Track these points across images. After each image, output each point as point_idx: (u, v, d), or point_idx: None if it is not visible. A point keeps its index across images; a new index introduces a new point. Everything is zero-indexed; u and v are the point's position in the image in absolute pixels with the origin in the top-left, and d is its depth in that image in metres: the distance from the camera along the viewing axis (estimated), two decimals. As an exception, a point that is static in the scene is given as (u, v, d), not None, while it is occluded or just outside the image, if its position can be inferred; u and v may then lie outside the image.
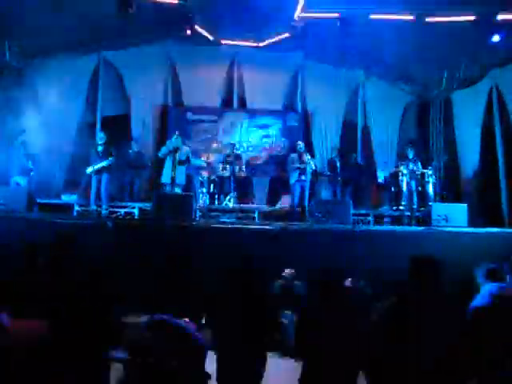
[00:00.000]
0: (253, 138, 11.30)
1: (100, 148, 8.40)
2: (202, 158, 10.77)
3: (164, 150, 8.59)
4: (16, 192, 8.05)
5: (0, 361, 2.03)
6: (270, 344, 3.46)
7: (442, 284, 2.61)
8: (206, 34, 9.67)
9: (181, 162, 8.51)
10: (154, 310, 3.53)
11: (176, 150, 8.42)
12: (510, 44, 8.55)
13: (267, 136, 11.31)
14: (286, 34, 9.27)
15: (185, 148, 8.73)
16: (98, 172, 8.33)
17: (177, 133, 8.71)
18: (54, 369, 2.13)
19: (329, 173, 10.16)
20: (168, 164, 8.51)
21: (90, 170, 8.36)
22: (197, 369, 2.39)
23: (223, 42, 10.30)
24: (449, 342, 2.40)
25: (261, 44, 10.17)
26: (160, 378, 2.08)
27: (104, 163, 8.24)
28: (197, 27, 9.15)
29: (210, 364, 3.35)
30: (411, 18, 7.95)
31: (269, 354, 3.42)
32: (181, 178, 8.54)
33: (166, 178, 8.48)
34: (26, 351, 2.08)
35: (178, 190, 8.41)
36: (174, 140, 8.50)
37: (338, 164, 9.98)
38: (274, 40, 9.86)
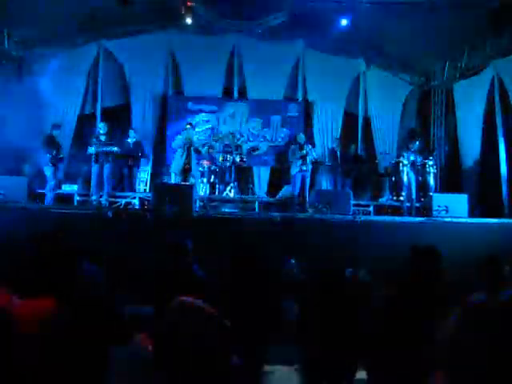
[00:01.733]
0: (253, 128, 11.26)
1: (103, 138, 8.41)
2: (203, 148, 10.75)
3: (178, 141, 8.58)
4: (16, 182, 8.04)
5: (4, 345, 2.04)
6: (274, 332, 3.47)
7: (442, 274, 2.61)
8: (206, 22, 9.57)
9: (196, 152, 8.57)
10: (153, 301, 3.55)
11: (190, 141, 8.44)
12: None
13: (268, 126, 11.27)
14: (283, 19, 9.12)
15: (196, 138, 8.78)
16: (98, 161, 8.32)
17: (188, 124, 8.74)
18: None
19: (329, 163, 10.15)
20: (179, 155, 8.51)
21: (92, 149, 8.37)
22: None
23: (222, 27, 10.19)
24: (448, 332, 2.40)
25: (260, 30, 10.04)
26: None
27: (113, 149, 8.28)
28: (197, 16, 9.03)
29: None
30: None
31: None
32: (195, 169, 8.63)
33: (175, 167, 8.49)
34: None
35: (192, 181, 8.42)
36: (187, 131, 8.52)
37: (339, 154, 9.99)
38: (272, 24, 9.69)
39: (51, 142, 8.29)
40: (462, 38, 9.53)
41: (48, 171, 8.20)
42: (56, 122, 9.23)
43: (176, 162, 8.50)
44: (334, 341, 2.97)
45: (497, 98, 9.43)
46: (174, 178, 8.74)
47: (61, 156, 8.52)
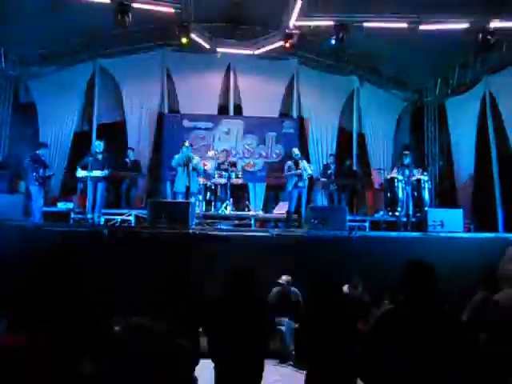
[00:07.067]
0: (249, 145, 11.32)
1: (100, 156, 8.38)
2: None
3: (178, 159, 8.54)
4: (12, 200, 8.00)
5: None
6: (268, 351, 3.45)
7: (438, 289, 2.62)
8: (202, 42, 9.65)
9: (194, 170, 8.51)
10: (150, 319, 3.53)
11: (189, 159, 8.41)
12: (503, 50, 8.65)
13: (263, 143, 11.33)
14: (281, 42, 9.22)
15: (195, 157, 8.70)
16: (93, 179, 8.29)
17: (187, 142, 8.73)
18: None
19: (324, 179, 10.19)
20: (181, 173, 8.47)
21: (81, 173, 8.32)
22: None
23: (219, 49, 10.31)
24: (444, 349, 2.41)
25: (256, 52, 10.15)
26: None
27: (98, 174, 8.23)
28: (193, 35, 9.11)
29: (208, 373, 3.37)
30: (405, 25, 8.00)
31: (267, 362, 3.42)
32: (195, 187, 8.55)
33: (180, 187, 8.42)
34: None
35: (193, 199, 8.38)
36: (186, 149, 8.50)
37: (334, 170, 10.03)
38: (269, 48, 9.84)
39: (36, 161, 8.22)
40: (453, 55, 9.68)
41: (34, 190, 8.16)
42: (43, 141, 9.26)
43: (180, 181, 8.44)
44: (333, 359, 2.97)
45: (489, 113, 9.54)
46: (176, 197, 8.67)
47: (48, 174, 8.46)
